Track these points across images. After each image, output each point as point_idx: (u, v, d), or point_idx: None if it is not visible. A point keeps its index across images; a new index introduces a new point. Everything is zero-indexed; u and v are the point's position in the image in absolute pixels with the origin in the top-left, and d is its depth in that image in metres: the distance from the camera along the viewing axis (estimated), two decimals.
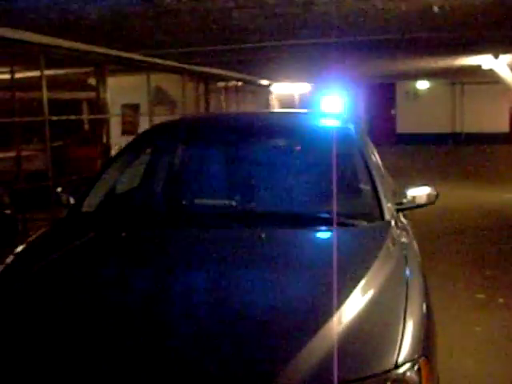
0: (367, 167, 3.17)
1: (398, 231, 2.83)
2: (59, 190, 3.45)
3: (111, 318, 2.08)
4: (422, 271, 2.49)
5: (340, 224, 2.67)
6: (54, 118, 7.06)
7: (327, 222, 2.74)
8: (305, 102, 17.75)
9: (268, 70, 12.18)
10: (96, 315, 2.11)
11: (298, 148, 3.73)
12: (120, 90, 9.39)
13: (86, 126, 11.50)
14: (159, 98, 10.17)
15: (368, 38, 7.52)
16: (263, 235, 2.60)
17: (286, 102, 17.44)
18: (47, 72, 6.92)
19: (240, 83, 12.88)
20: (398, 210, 3.11)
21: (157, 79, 9.49)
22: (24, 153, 8.32)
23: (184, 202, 3.37)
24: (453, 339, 4.02)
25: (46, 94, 6.80)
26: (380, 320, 2.04)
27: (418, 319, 2.05)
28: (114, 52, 7.76)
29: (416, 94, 22.48)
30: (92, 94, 8.93)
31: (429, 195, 3.27)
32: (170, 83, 10.02)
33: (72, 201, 3.26)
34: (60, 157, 8.96)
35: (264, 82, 15.05)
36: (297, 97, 18.11)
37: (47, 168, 7.05)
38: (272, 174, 3.37)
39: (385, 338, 1.95)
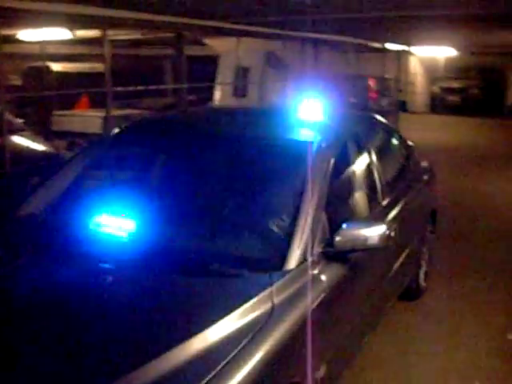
0: (302, 198, 2.65)
1: (293, 287, 2.35)
2: None
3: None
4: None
5: (215, 272, 2.39)
6: None
7: (201, 267, 2.44)
8: (449, 67, 16.58)
9: (407, 34, 11.52)
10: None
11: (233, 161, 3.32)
12: None
13: None
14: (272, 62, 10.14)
15: None
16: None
17: (430, 66, 16.47)
18: None
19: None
20: (327, 256, 2.61)
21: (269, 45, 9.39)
22: None
23: None
24: None
25: None
26: None
27: None
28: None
29: None
30: None
31: (375, 237, 2.60)
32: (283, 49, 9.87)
33: None
34: None
35: (392, 46, 14.26)
36: (442, 60, 16.79)
37: None
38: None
39: None
